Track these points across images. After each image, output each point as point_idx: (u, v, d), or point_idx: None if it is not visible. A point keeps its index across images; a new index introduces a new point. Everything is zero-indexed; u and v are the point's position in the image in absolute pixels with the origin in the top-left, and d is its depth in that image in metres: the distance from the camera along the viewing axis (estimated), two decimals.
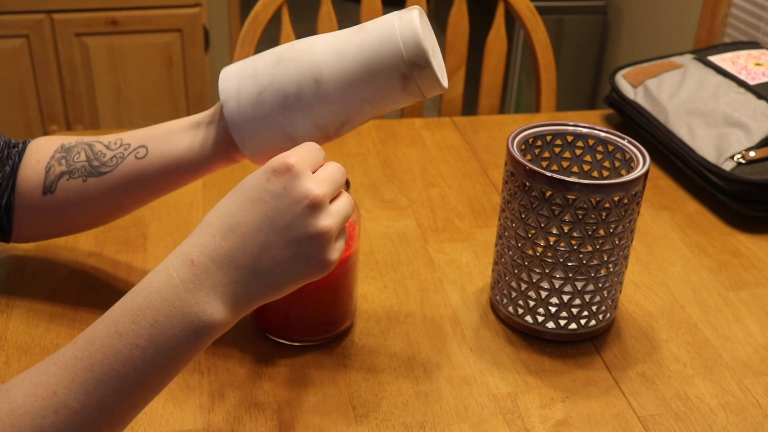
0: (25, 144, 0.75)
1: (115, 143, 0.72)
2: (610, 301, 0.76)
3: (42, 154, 0.73)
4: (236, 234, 0.54)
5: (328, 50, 0.64)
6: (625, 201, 0.70)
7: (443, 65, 0.68)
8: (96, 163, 0.71)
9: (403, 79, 0.63)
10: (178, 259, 0.54)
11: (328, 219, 0.56)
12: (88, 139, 0.73)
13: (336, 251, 0.57)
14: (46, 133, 2.16)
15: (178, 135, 0.71)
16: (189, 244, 0.55)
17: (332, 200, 0.58)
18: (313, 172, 0.57)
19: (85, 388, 0.50)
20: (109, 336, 0.51)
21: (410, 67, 0.63)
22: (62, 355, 0.51)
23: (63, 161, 0.72)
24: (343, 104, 0.65)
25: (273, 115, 0.65)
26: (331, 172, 0.59)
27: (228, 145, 0.69)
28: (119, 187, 0.72)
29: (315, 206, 0.55)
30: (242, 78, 0.66)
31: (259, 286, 0.55)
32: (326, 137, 0.66)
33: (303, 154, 0.57)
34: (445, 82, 0.65)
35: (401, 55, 0.62)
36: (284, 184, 0.55)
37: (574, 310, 0.75)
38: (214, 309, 0.53)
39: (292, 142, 0.65)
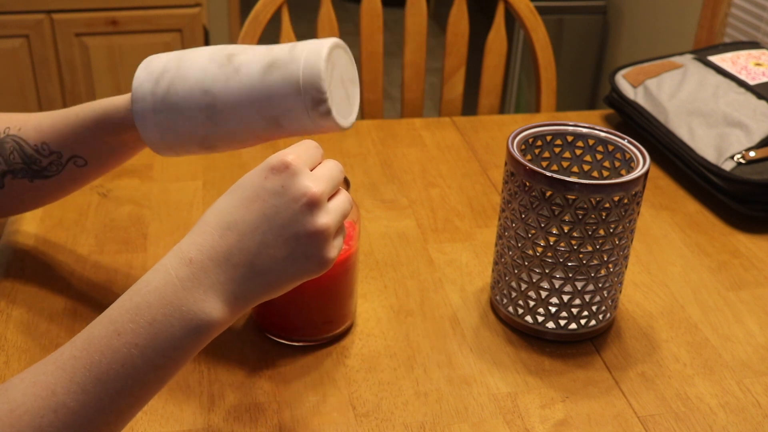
0: None
1: (44, 149, 0.73)
2: (610, 301, 0.76)
3: None
4: (234, 232, 0.54)
5: (227, 74, 0.67)
6: (625, 201, 0.70)
7: (354, 103, 0.70)
8: (36, 168, 0.74)
9: (305, 111, 0.65)
10: (176, 257, 0.54)
11: (326, 217, 0.56)
12: (13, 131, 0.74)
13: (334, 249, 0.57)
14: None
15: (106, 138, 0.73)
16: (187, 243, 0.55)
17: (330, 198, 0.58)
18: (311, 170, 0.57)
19: (83, 387, 0.50)
20: (108, 335, 0.51)
21: (307, 102, 0.65)
22: (61, 354, 0.51)
23: (0, 159, 0.74)
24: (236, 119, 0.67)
25: (174, 115, 0.68)
26: (329, 169, 0.59)
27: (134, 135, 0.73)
28: (67, 185, 0.76)
29: (313, 204, 0.55)
30: (153, 76, 0.69)
31: (257, 284, 0.55)
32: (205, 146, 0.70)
33: (301, 152, 0.57)
34: (344, 122, 0.67)
35: (300, 100, 0.65)
36: (282, 181, 0.55)
37: (574, 310, 0.75)
38: (213, 307, 0.53)
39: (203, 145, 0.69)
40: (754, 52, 1.16)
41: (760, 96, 1.05)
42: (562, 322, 0.76)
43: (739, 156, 0.98)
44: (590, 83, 2.74)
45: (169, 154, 0.72)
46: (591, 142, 0.79)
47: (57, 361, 0.51)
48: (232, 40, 2.50)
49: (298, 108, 0.65)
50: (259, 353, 0.74)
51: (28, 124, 0.74)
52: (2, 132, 0.74)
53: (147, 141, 0.70)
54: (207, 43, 2.23)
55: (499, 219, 0.77)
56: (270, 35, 1.45)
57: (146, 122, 0.69)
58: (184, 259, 0.54)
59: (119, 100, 0.71)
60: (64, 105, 2.18)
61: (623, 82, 1.17)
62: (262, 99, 0.66)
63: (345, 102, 0.68)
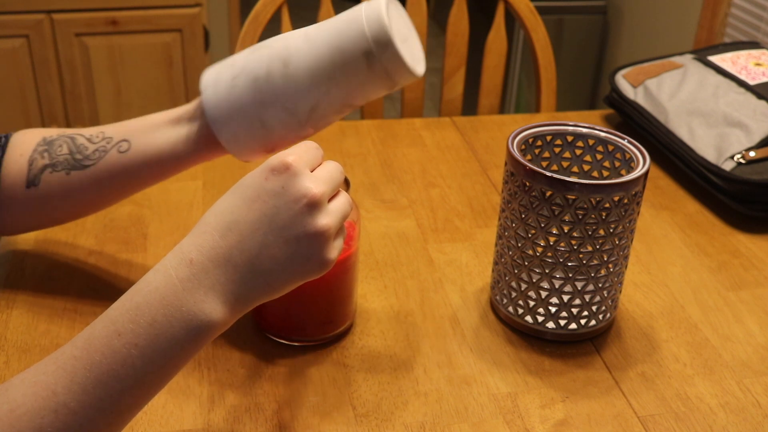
0: (7, 138, 0.75)
1: (97, 136, 0.73)
2: (610, 301, 0.76)
3: (24, 147, 0.74)
4: (235, 233, 0.54)
5: (300, 36, 0.67)
6: (625, 201, 0.70)
7: (420, 56, 0.69)
8: (79, 156, 0.72)
9: (366, 56, 0.64)
10: (176, 258, 0.54)
11: (327, 218, 0.56)
12: (70, 132, 0.74)
13: (334, 250, 0.57)
14: None
15: (160, 129, 0.72)
16: (187, 244, 0.55)
17: (331, 199, 0.58)
18: (312, 171, 0.57)
19: (84, 387, 0.50)
20: (108, 336, 0.51)
21: (373, 44, 0.64)
22: (61, 354, 0.51)
23: (46, 154, 0.73)
24: (310, 84, 0.66)
25: (245, 99, 0.67)
26: (330, 170, 0.59)
27: (209, 138, 0.71)
28: (103, 180, 0.73)
29: (313, 205, 0.55)
30: (221, 68, 0.70)
31: (258, 285, 0.55)
32: (298, 124, 0.68)
33: (301, 153, 0.57)
34: (416, 68, 0.66)
35: (363, 31, 0.64)
36: (282, 182, 0.55)
37: (574, 310, 0.75)
38: (213, 308, 0.53)
39: (263, 129, 0.68)
40: (754, 52, 1.16)
41: (760, 96, 1.05)
42: (562, 322, 0.76)
43: (739, 156, 0.98)
44: (590, 83, 2.74)
45: (241, 147, 0.70)
46: (591, 142, 0.79)
47: (57, 361, 0.51)
48: (232, 40, 2.50)
49: (365, 61, 0.65)
50: (259, 353, 0.74)
51: (83, 131, 0.74)
52: (57, 135, 0.74)
53: (219, 130, 0.69)
54: (207, 43, 2.23)
55: (499, 219, 0.77)
56: (270, 35, 1.45)
57: (220, 105, 0.68)
58: (185, 260, 0.54)
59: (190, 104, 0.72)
60: (64, 105, 2.19)
61: (623, 82, 1.17)
62: (330, 59, 0.66)
63: (411, 51, 0.68)
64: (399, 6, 0.67)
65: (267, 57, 0.67)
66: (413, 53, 0.68)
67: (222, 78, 0.69)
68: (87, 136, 0.73)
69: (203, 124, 0.71)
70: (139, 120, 0.73)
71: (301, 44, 0.66)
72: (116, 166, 0.72)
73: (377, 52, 0.64)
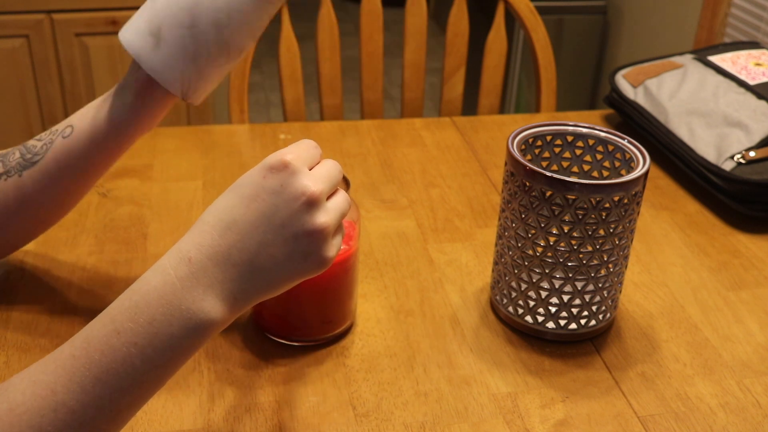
0: None
1: (46, 133, 0.72)
2: (610, 301, 0.76)
3: None
4: (233, 231, 0.54)
5: None
6: (625, 201, 0.70)
7: None
8: (28, 156, 0.72)
9: None
10: (175, 256, 0.54)
11: (325, 216, 0.56)
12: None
13: (333, 248, 0.57)
14: None
15: (102, 104, 0.71)
16: (186, 242, 0.55)
17: (329, 197, 0.58)
18: (310, 169, 0.57)
19: (83, 386, 0.50)
20: (107, 334, 0.51)
21: None
22: (61, 353, 0.51)
23: (0, 165, 0.72)
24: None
25: (181, 45, 0.68)
26: (328, 168, 0.59)
27: (145, 97, 0.70)
28: (53, 171, 0.71)
29: (312, 203, 0.55)
30: (138, 24, 0.69)
31: (257, 283, 0.55)
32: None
33: (300, 151, 0.57)
34: None
35: None
36: (281, 181, 0.55)
37: (574, 310, 0.75)
38: (212, 306, 0.53)
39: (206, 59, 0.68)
40: (754, 52, 1.16)
41: (760, 96, 1.05)
42: (562, 322, 0.76)
43: (739, 156, 0.98)
44: (590, 83, 2.74)
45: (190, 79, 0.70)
46: (591, 142, 0.79)
47: (57, 360, 0.51)
48: None
49: None
50: (259, 353, 0.74)
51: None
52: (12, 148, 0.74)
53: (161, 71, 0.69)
54: None
55: (499, 219, 0.77)
56: (270, 35, 1.45)
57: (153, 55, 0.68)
58: (184, 259, 0.54)
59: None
60: (64, 105, 2.18)
61: (623, 82, 1.17)
62: None
63: None
64: None
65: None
66: None
67: (140, 24, 0.69)
68: (38, 137, 0.73)
69: (137, 86, 0.70)
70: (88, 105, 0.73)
71: None
72: (63, 153, 0.71)
73: None
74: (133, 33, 0.69)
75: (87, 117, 0.71)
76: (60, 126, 0.72)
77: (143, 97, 0.70)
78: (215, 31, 0.68)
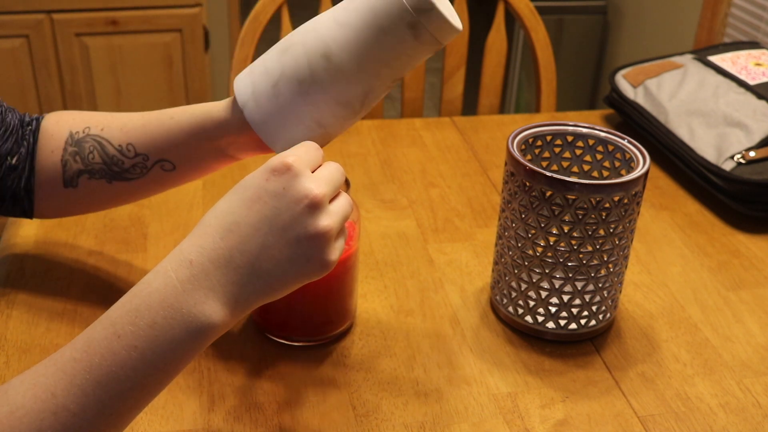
0: (38, 122, 0.75)
1: (128, 150, 0.71)
2: (610, 301, 0.76)
3: (54, 143, 0.73)
4: (235, 234, 0.54)
5: (330, 23, 0.63)
6: (625, 201, 0.70)
7: (452, 9, 0.66)
8: (116, 169, 0.72)
9: (412, 28, 0.61)
10: (176, 259, 0.54)
11: (328, 219, 0.56)
12: (95, 131, 0.72)
13: (336, 251, 0.57)
14: None
15: (200, 146, 0.70)
16: (187, 245, 0.55)
17: (331, 200, 0.58)
18: (312, 172, 0.57)
19: (83, 389, 0.50)
20: (108, 337, 0.51)
21: (416, 13, 0.61)
22: (61, 356, 0.51)
23: (78, 158, 0.72)
24: (360, 73, 0.63)
25: (294, 104, 0.63)
26: (330, 171, 0.58)
27: (253, 145, 0.68)
28: (149, 187, 0.74)
29: (314, 206, 0.55)
30: (254, 77, 0.65)
31: (258, 286, 0.55)
32: (354, 113, 0.65)
33: (302, 154, 0.57)
34: (457, 24, 0.63)
35: (402, 4, 0.61)
36: (283, 183, 0.55)
37: (574, 310, 0.75)
38: (213, 310, 0.53)
39: (321, 128, 0.64)
40: (754, 52, 1.16)
41: (760, 96, 1.05)
42: (562, 322, 0.76)
43: (739, 156, 0.98)
44: (590, 83, 2.74)
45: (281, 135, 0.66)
46: (591, 142, 0.79)
47: (57, 362, 0.51)
48: (232, 40, 2.50)
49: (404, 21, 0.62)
50: (259, 353, 0.74)
51: (113, 124, 0.72)
52: (82, 131, 0.72)
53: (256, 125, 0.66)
54: (207, 43, 2.23)
55: (499, 219, 0.77)
56: (270, 35, 1.45)
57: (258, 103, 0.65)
58: (185, 261, 0.53)
59: (221, 104, 0.69)
60: (64, 105, 2.19)
61: (623, 82, 1.17)
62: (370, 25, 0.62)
63: (446, 8, 0.64)
64: None
65: (304, 55, 0.63)
66: (448, 9, 0.65)
67: (260, 88, 0.64)
68: (116, 146, 0.71)
69: (246, 136, 0.68)
70: (166, 127, 0.71)
71: (336, 33, 0.62)
72: (162, 179, 0.73)
73: (423, 21, 0.61)
74: (251, 91, 0.65)
75: (187, 155, 0.71)
76: (145, 149, 0.71)
77: (252, 143, 0.69)
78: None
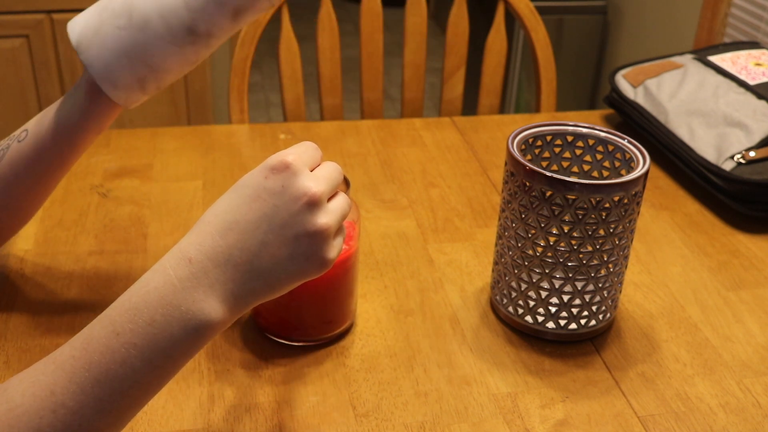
0: None
1: (5, 140, 0.73)
2: (610, 301, 0.76)
3: None
4: (234, 232, 0.54)
5: None
6: (625, 201, 0.70)
7: None
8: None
9: None
10: (175, 257, 0.54)
11: (326, 216, 0.56)
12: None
13: (334, 249, 0.57)
14: None
15: (56, 106, 0.71)
16: (187, 243, 0.55)
17: (330, 199, 0.58)
18: (311, 171, 0.58)
19: (82, 388, 0.50)
20: (107, 336, 0.51)
21: None
22: (60, 354, 0.51)
23: None
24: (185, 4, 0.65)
25: (114, 34, 0.66)
26: (329, 170, 0.59)
27: (95, 95, 0.69)
28: (9, 177, 0.71)
29: (313, 204, 0.55)
30: (86, 19, 0.68)
31: (258, 284, 0.55)
32: (186, 49, 0.67)
33: (301, 153, 0.57)
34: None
35: None
36: (282, 181, 0.55)
37: (574, 310, 0.75)
38: (212, 308, 0.53)
39: (147, 66, 0.66)
40: (754, 52, 1.16)
41: (760, 96, 1.05)
42: (562, 322, 0.76)
43: (739, 156, 0.98)
44: (590, 83, 2.74)
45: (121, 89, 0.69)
46: (591, 142, 0.79)
47: (56, 361, 0.51)
48: (232, 40, 2.50)
49: None
50: (259, 353, 0.74)
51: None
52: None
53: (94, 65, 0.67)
54: None
55: (499, 219, 0.77)
56: (270, 35, 1.45)
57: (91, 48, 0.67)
58: (184, 259, 0.54)
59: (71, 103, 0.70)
60: None
61: (623, 82, 1.17)
62: None
63: None
64: None
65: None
66: None
67: (89, 24, 0.67)
68: None
69: (86, 83, 0.69)
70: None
71: None
72: (17, 158, 0.71)
73: None
74: (78, 24, 0.68)
75: (41, 120, 0.71)
76: (17, 131, 0.73)
77: (92, 96, 0.70)
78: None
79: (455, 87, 1.39)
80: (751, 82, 1.07)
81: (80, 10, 2.09)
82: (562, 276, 0.73)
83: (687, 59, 1.17)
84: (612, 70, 1.22)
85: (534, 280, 0.74)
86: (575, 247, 0.71)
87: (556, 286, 0.74)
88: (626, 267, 0.76)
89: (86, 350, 0.51)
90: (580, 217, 0.70)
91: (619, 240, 0.73)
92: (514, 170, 0.72)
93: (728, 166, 0.98)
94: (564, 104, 2.62)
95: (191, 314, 0.52)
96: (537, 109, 1.37)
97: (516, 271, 0.76)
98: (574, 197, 0.69)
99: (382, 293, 0.83)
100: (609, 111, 1.23)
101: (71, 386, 0.50)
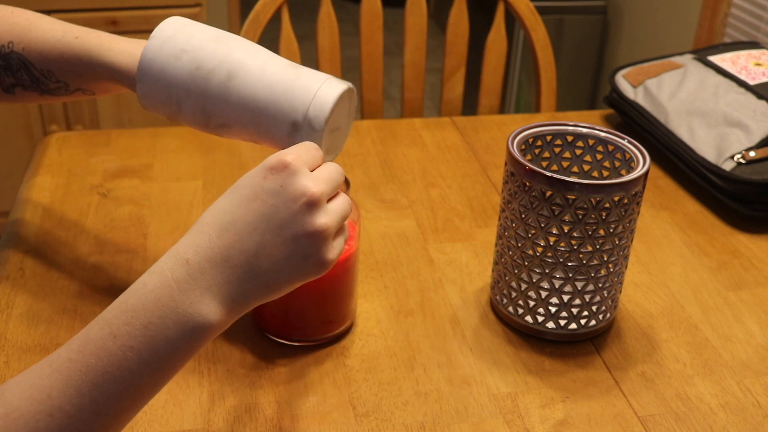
0: None
1: (50, 76, 0.74)
2: (610, 301, 0.76)
3: None
4: (232, 232, 0.54)
5: (259, 62, 0.66)
6: (625, 201, 0.70)
7: (338, 146, 0.69)
8: (44, 88, 0.74)
9: (292, 126, 0.64)
10: (172, 258, 0.53)
11: (326, 217, 0.55)
12: (18, 48, 0.74)
13: (334, 250, 0.56)
14: (46, 133, 2.16)
15: (106, 83, 0.73)
16: (184, 244, 0.54)
17: (330, 200, 0.58)
18: (311, 171, 0.57)
19: (79, 390, 0.50)
20: (103, 338, 0.51)
21: (303, 120, 0.64)
22: (57, 357, 0.51)
23: (9, 72, 0.74)
24: (236, 110, 0.66)
25: (178, 77, 0.67)
26: (329, 171, 0.58)
27: (124, 78, 0.71)
28: (81, 98, 0.75)
29: (312, 204, 0.55)
30: (181, 30, 0.69)
31: (256, 285, 0.54)
32: (203, 126, 0.68)
33: (300, 152, 0.57)
34: (326, 156, 0.66)
35: (306, 104, 0.64)
36: (281, 181, 0.55)
37: (574, 310, 0.75)
38: (209, 309, 0.53)
39: (175, 107, 0.68)
40: (754, 52, 1.16)
41: (760, 96, 1.05)
42: (562, 322, 0.76)
43: (739, 156, 0.98)
44: (590, 83, 2.74)
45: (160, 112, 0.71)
46: (591, 142, 0.79)
47: (53, 363, 0.51)
48: None
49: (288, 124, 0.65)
50: (259, 353, 0.74)
51: (33, 46, 0.73)
52: (7, 46, 0.73)
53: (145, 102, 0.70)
54: None
55: (499, 219, 0.77)
56: (270, 35, 1.45)
57: (149, 89, 0.69)
58: (181, 260, 0.53)
59: (123, 61, 0.71)
60: (64, 105, 2.18)
61: (623, 82, 1.17)
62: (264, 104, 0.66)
63: (333, 141, 0.68)
64: (354, 96, 0.68)
65: (220, 58, 0.66)
66: (335, 143, 0.68)
67: (176, 40, 0.68)
68: (38, 70, 0.74)
69: (123, 70, 0.71)
70: (83, 64, 0.72)
71: (253, 70, 0.66)
72: (88, 96, 0.75)
73: (304, 129, 0.64)
74: (168, 36, 0.69)
75: (92, 83, 0.73)
76: (66, 80, 0.74)
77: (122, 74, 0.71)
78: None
79: (455, 87, 1.39)
80: (751, 82, 1.07)
81: (80, 10, 2.09)
82: (562, 276, 0.73)
83: (687, 59, 1.17)
84: (612, 70, 1.22)
85: (534, 280, 0.74)
86: (575, 247, 0.71)
87: (556, 286, 0.74)
88: (626, 267, 0.76)
89: (83, 353, 0.50)
90: (580, 217, 0.70)
91: (619, 240, 0.73)
92: (514, 170, 0.72)
93: (728, 166, 0.97)
94: (564, 104, 2.62)
95: (188, 316, 0.52)
96: (537, 109, 1.37)
97: (516, 271, 0.76)
98: (574, 197, 0.69)
99: (382, 293, 0.83)
100: (609, 111, 1.23)
101: (68, 389, 0.50)
